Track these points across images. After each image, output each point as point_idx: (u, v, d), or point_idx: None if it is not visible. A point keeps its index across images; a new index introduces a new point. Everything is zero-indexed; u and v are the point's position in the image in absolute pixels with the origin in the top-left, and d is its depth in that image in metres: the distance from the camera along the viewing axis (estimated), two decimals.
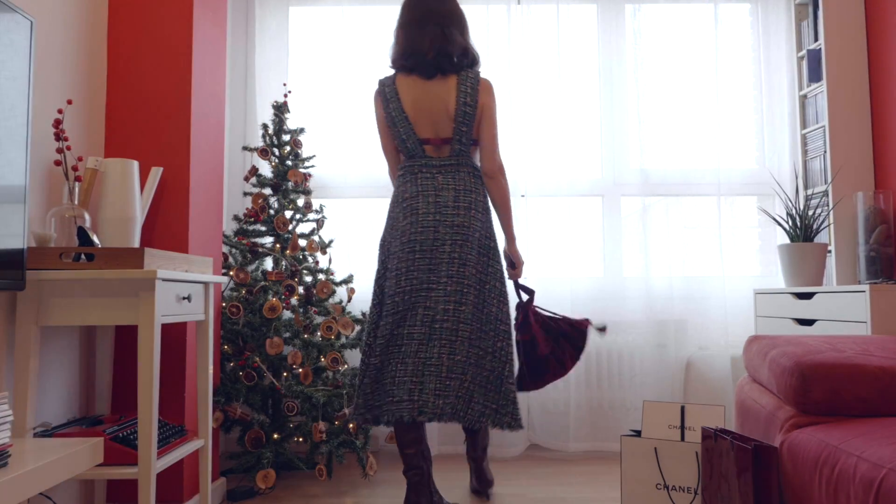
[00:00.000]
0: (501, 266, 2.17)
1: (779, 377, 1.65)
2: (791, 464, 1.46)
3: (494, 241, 2.16)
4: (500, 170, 2.19)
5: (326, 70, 3.10)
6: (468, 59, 2.19)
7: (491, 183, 2.18)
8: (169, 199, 2.10)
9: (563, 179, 3.04)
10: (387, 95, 2.17)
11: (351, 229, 3.05)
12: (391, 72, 2.26)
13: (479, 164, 2.23)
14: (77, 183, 1.80)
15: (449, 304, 2.04)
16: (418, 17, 2.16)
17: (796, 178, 3.04)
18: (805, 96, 3.01)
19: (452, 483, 2.50)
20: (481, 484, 2.35)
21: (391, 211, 2.19)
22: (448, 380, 2.00)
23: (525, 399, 2.95)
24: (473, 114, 2.13)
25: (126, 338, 2.07)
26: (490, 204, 2.24)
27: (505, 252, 2.34)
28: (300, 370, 2.45)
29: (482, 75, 2.39)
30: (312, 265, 2.69)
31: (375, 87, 2.25)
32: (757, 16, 3.17)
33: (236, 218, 2.77)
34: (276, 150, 2.73)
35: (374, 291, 2.17)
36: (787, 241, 2.99)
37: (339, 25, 3.09)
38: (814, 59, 2.91)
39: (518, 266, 2.34)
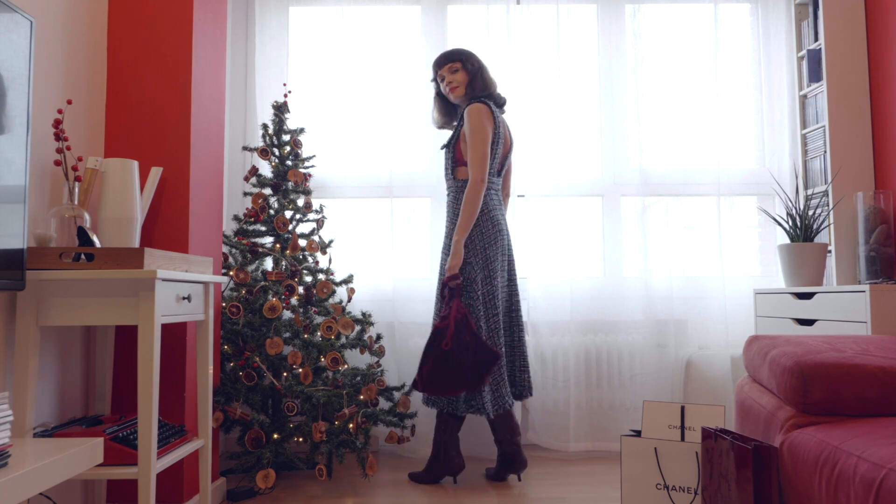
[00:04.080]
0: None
1: (779, 377, 1.65)
2: (791, 464, 1.46)
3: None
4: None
5: (326, 70, 3.10)
6: None
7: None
8: (169, 199, 2.10)
9: (563, 179, 3.04)
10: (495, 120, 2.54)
11: (351, 229, 3.05)
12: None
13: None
14: (77, 183, 1.80)
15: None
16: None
17: (796, 178, 3.04)
18: (805, 96, 3.01)
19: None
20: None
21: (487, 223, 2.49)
22: None
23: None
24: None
25: (126, 338, 2.07)
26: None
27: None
28: (300, 370, 2.44)
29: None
30: (312, 265, 2.69)
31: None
32: (757, 16, 3.17)
33: (236, 218, 2.77)
34: (276, 150, 2.73)
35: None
36: (787, 241, 2.99)
37: (339, 25, 3.09)
38: (814, 59, 2.91)
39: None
